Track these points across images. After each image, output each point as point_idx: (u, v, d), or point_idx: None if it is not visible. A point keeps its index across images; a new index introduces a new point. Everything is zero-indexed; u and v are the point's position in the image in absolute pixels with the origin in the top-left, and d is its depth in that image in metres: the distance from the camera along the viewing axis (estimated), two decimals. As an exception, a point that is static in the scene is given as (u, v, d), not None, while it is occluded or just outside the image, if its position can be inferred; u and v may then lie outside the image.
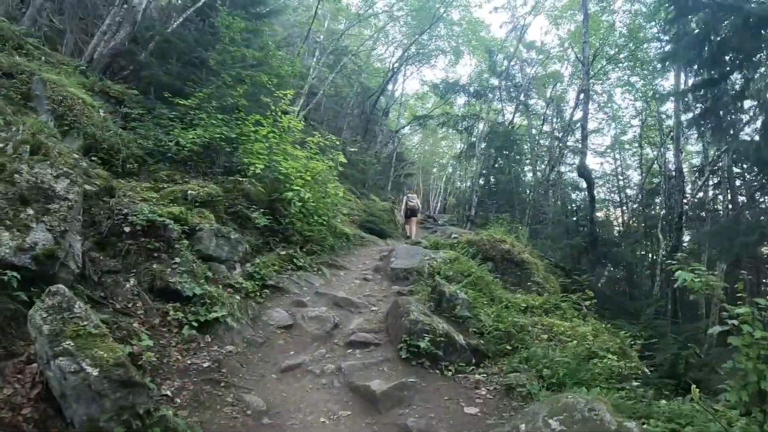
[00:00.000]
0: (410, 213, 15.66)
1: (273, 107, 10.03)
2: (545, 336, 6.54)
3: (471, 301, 6.26)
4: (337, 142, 11.79)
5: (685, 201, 15.85)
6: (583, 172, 15.08)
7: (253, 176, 8.78)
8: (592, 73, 24.07)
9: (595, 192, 16.19)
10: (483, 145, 26.58)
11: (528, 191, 27.86)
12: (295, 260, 8.09)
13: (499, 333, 5.91)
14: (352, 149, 18.80)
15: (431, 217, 36.17)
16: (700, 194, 20.31)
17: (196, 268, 5.63)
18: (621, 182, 31.27)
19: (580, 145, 19.00)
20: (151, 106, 10.31)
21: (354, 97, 31.09)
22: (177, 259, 5.48)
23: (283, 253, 8.13)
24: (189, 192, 7.69)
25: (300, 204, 8.82)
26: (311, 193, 9.80)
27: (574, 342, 6.07)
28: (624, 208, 29.26)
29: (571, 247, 14.61)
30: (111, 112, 9.87)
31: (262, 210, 8.24)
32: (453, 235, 13.86)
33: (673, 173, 17.16)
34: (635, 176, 30.88)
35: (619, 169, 31.36)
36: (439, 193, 51.04)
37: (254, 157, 8.96)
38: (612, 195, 31.30)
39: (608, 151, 31.22)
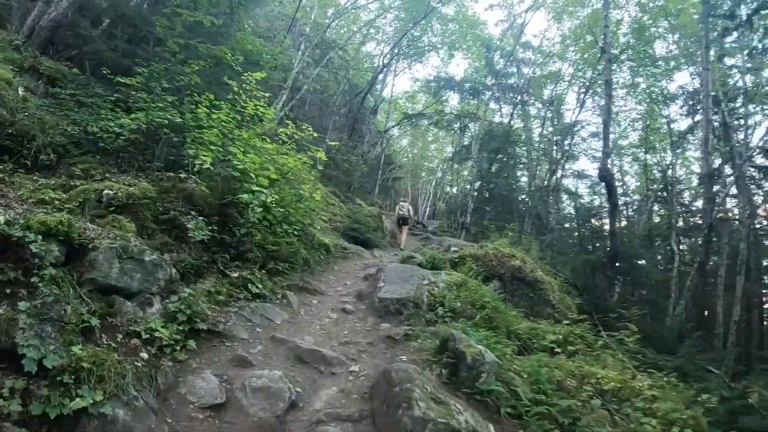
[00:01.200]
0: (401, 221, 15.31)
1: (237, 89, 8.00)
2: (597, 401, 4.57)
3: (500, 363, 4.18)
4: (315, 135, 9.71)
5: (717, 209, 13.97)
6: (605, 175, 13.16)
7: (199, 172, 6.66)
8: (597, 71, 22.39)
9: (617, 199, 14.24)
10: (478, 147, 24.60)
11: (526, 197, 25.98)
12: (250, 285, 6.00)
13: (543, 411, 3.87)
14: (333, 143, 16.63)
15: (420, 223, 34.21)
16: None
17: (68, 312, 3.51)
18: (620, 189, 29.66)
19: (601, 147, 16.98)
20: (88, 86, 8.28)
21: (341, 95, 29.03)
22: (36, 300, 3.38)
23: (235, 275, 6.02)
24: (105, 192, 5.58)
25: (261, 210, 6.70)
26: (281, 195, 7.73)
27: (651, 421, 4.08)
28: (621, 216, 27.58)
29: (588, 262, 12.64)
30: (44, 94, 8.03)
31: (207, 217, 6.10)
32: (452, 248, 11.88)
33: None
34: (632, 182, 29.46)
35: (618, 174, 29.73)
36: (428, 198, 49.08)
37: (204, 148, 6.84)
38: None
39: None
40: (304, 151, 9.21)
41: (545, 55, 27.16)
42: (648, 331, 12.39)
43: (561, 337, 6.51)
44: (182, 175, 6.62)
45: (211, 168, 6.65)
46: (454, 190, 35.24)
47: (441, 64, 30.67)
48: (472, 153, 24.56)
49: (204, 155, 6.54)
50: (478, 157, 24.40)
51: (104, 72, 8.14)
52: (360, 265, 10.04)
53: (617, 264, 12.41)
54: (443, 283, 6.83)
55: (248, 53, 9.99)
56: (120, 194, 5.58)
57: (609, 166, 14.18)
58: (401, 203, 15.58)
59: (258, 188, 6.75)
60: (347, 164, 21.77)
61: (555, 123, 27.70)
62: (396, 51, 26.84)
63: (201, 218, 5.97)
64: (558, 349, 6.18)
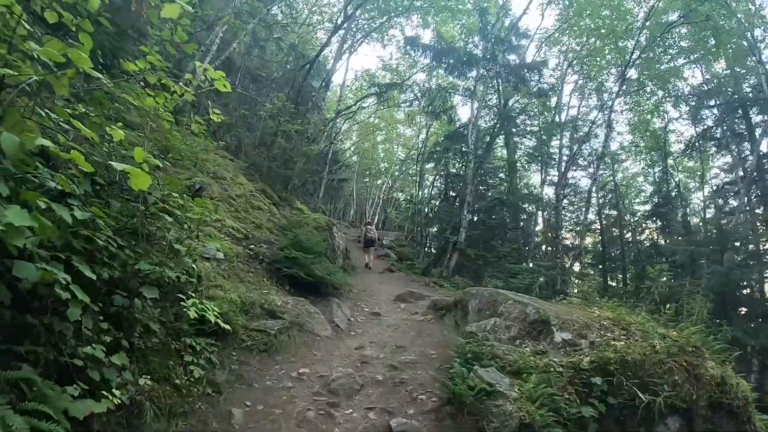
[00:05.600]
0: (369, 243, 16.23)
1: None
2: None
3: None
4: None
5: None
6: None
7: None
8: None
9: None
10: (473, 138, 18.43)
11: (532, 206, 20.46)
12: None
13: None
14: (268, 105, 10.15)
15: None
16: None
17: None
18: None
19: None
20: None
21: (283, 67, 22.33)
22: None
23: None
24: None
25: None
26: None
27: None
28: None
29: None
30: None
31: None
32: (530, 313, 5.86)
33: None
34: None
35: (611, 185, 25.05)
36: (377, 204, 42.90)
37: None
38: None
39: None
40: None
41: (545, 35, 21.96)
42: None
43: None
44: None
45: None
46: (421, 193, 29.17)
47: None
48: (469, 141, 18.27)
49: None
50: (474, 147, 18.22)
51: None
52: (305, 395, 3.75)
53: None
54: None
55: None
56: None
57: None
58: (368, 227, 16.78)
59: None
60: (286, 151, 15.14)
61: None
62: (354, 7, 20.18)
63: None
64: None
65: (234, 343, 4.85)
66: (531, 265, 16.15)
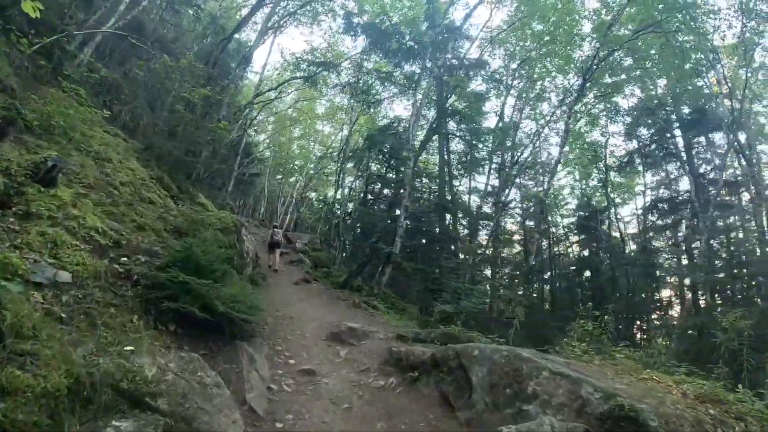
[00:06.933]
0: (275, 245, 15.97)
1: None
2: None
3: None
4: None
5: None
6: None
7: None
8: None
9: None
10: (413, 134, 16.40)
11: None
12: None
13: None
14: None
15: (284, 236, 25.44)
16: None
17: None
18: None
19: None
20: None
21: (200, 42, 19.28)
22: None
23: None
24: None
25: None
26: None
27: None
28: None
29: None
30: None
31: None
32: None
33: None
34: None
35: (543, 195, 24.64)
36: (289, 203, 40.20)
37: None
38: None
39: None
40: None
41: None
42: None
43: None
44: None
45: None
46: (340, 194, 26.94)
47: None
48: (409, 137, 16.15)
49: None
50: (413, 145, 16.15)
51: None
52: None
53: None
54: None
55: None
56: None
57: None
58: (275, 230, 16.57)
59: None
60: (191, 129, 12.41)
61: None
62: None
63: None
64: None
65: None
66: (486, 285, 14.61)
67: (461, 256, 17.78)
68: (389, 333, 8.05)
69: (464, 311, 10.09)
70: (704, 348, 8.43)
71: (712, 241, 16.05)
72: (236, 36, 19.99)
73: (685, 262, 19.68)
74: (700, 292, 14.72)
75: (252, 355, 5.44)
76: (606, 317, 7.76)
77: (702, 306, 15.25)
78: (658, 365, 5.85)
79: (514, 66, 21.12)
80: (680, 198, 19.34)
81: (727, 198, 18.01)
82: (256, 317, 6.39)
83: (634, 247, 23.48)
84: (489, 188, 22.88)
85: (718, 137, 17.62)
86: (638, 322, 21.15)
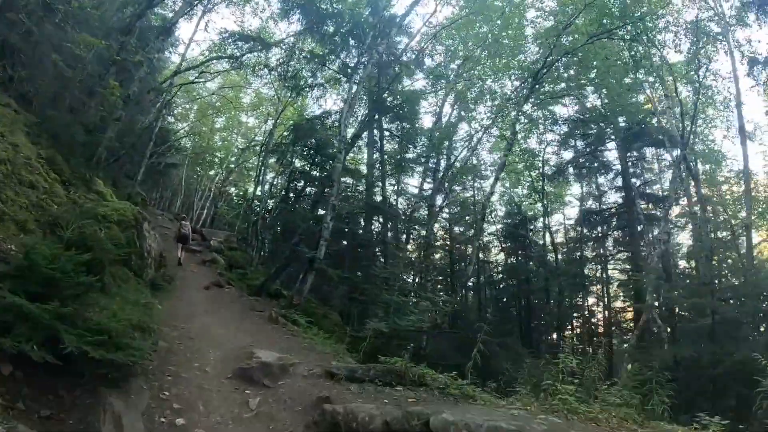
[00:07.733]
0: (182, 239, 15.51)
1: None
2: None
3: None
4: None
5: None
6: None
7: None
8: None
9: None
10: (345, 126, 14.98)
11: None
12: None
13: None
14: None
15: (198, 232, 23.40)
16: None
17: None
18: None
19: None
20: None
21: (120, 10, 16.83)
22: None
23: None
24: None
25: None
26: None
27: None
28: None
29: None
30: None
31: None
32: None
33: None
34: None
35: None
36: (207, 197, 37.68)
37: None
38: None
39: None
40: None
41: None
42: None
43: None
44: None
45: None
46: (260, 190, 25.05)
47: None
48: (341, 128, 14.52)
49: None
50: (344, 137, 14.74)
51: None
52: None
53: None
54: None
55: None
56: None
57: None
58: (183, 222, 16.38)
59: None
60: (84, 97, 10.50)
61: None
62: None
63: None
64: None
65: None
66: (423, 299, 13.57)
67: (390, 261, 16.85)
68: (314, 366, 6.61)
69: (401, 330, 9.10)
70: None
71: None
72: (162, 12, 17.91)
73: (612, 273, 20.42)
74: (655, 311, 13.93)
75: (119, 416, 3.89)
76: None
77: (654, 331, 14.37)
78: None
79: (454, 66, 20.85)
80: (611, 210, 19.96)
81: (655, 212, 18.63)
82: (135, 353, 4.47)
83: (559, 257, 23.85)
84: (420, 191, 22.44)
85: (650, 152, 18.35)
86: (566, 330, 21.56)
